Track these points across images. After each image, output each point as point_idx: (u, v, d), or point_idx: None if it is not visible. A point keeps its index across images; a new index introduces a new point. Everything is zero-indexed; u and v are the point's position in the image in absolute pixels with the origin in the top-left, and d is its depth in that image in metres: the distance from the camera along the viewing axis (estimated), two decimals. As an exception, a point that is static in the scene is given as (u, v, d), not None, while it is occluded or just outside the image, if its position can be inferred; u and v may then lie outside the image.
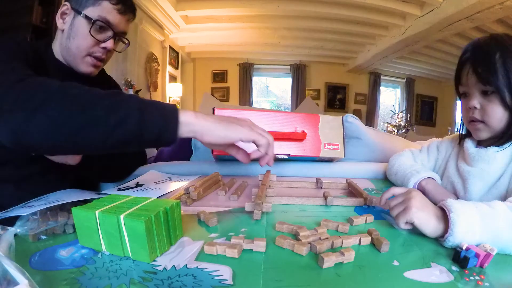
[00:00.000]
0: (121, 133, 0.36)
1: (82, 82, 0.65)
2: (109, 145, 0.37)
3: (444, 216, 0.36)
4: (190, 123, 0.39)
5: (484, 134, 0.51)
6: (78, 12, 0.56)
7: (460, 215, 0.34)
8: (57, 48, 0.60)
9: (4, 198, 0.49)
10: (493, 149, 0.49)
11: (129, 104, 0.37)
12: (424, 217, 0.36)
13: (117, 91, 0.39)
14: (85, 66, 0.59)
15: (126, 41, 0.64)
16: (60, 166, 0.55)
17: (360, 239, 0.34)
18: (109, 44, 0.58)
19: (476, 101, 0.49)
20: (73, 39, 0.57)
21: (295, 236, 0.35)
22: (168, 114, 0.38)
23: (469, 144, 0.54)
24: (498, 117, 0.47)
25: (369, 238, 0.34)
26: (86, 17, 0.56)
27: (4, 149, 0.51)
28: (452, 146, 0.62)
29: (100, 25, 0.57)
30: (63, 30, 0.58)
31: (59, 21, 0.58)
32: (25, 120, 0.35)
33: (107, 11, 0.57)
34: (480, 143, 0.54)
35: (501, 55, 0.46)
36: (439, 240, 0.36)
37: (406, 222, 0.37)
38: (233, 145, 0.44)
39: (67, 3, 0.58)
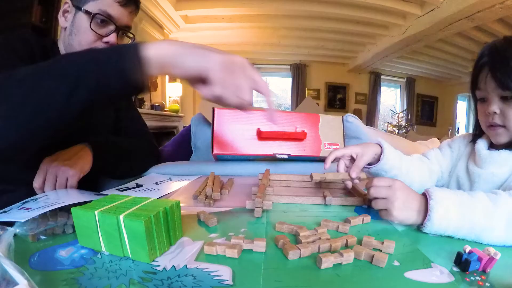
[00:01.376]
0: (81, 94, 0.31)
1: None
2: (74, 113, 0.32)
3: (425, 204, 0.38)
4: (159, 52, 0.32)
5: (504, 139, 0.50)
6: (78, 8, 0.56)
7: (438, 201, 0.37)
8: (62, 46, 0.60)
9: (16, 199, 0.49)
10: (506, 152, 0.49)
11: (78, 59, 0.32)
12: (404, 216, 0.39)
13: (62, 55, 0.34)
14: None
15: (132, 36, 0.63)
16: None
17: (346, 241, 0.33)
18: (112, 38, 0.57)
19: (495, 106, 0.49)
20: (75, 36, 0.57)
21: (295, 236, 0.35)
22: (126, 49, 0.32)
23: (480, 146, 0.53)
24: None
25: (352, 252, 0.31)
26: (86, 12, 0.55)
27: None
28: (465, 145, 0.61)
29: (101, 19, 0.55)
30: (65, 28, 0.58)
31: (61, 19, 0.58)
32: None
33: (108, 4, 0.55)
34: (493, 145, 0.54)
35: None
36: (419, 227, 0.39)
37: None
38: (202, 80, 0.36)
39: (68, 0, 0.57)
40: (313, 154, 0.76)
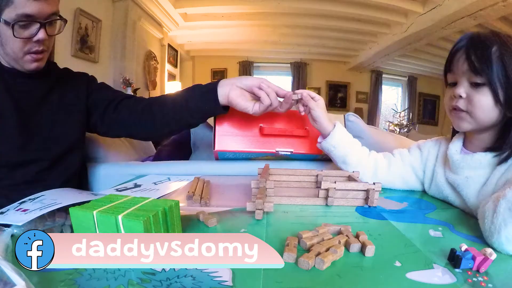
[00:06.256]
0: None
1: (34, 78, 0.62)
2: None
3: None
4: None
5: (467, 125, 0.47)
6: None
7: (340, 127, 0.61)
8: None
9: None
10: (479, 155, 0.46)
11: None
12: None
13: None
14: (27, 65, 0.58)
15: (63, 20, 0.59)
16: (45, 179, 0.57)
17: (339, 241, 0.33)
18: (41, 35, 0.55)
19: (462, 90, 0.45)
20: (6, 46, 0.55)
21: (299, 239, 0.35)
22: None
23: (453, 151, 0.51)
24: (484, 108, 0.44)
25: (345, 238, 0.33)
26: (6, 22, 0.52)
27: None
28: (436, 149, 0.59)
29: (22, 24, 0.53)
30: None
31: None
32: None
33: (22, 5, 0.52)
34: (467, 146, 0.51)
35: (499, 48, 0.42)
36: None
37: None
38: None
39: None
40: (315, 152, 0.75)
